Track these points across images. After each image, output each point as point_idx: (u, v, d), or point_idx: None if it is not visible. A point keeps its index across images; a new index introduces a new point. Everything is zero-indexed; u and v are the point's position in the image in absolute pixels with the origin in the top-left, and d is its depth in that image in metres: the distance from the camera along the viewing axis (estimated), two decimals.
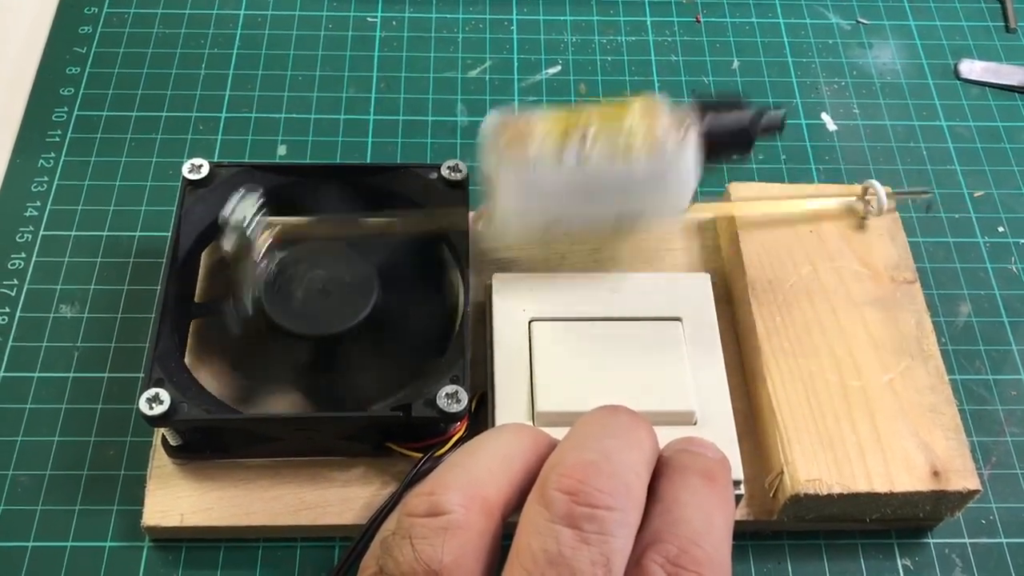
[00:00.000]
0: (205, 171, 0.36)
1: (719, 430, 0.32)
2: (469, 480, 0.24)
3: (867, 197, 0.37)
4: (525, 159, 0.32)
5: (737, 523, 0.33)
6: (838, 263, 0.36)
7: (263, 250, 0.34)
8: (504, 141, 0.32)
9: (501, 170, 0.32)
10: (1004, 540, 0.35)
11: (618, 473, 0.23)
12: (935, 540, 0.34)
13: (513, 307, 0.34)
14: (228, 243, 0.34)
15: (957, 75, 0.48)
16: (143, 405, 0.31)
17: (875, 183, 0.37)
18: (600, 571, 0.22)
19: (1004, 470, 0.36)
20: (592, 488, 0.23)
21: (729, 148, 0.33)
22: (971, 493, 0.31)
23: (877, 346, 0.34)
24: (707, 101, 0.33)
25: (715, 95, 0.34)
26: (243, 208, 0.34)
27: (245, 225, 0.34)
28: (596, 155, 0.32)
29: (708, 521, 0.24)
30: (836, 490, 0.31)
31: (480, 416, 0.33)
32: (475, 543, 0.23)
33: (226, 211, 0.34)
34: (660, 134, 0.32)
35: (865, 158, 0.45)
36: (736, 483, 0.31)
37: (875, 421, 0.32)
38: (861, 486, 0.31)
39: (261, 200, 0.35)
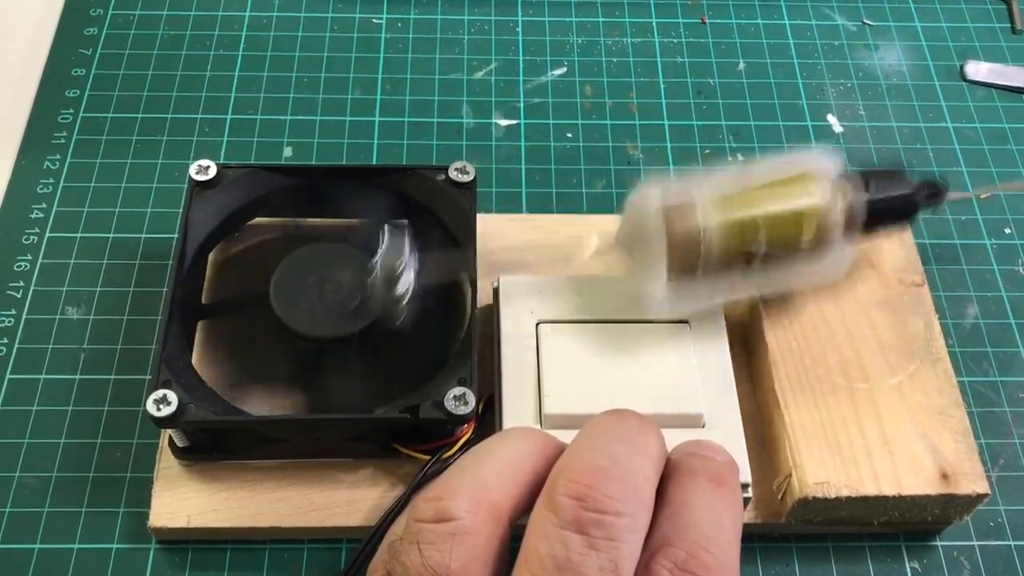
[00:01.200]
0: (212, 172, 0.36)
1: (727, 433, 0.31)
2: (477, 485, 0.24)
3: None
4: (690, 262, 0.31)
5: (745, 526, 0.33)
6: None
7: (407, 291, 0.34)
8: (668, 230, 0.31)
9: (658, 261, 0.31)
10: (1012, 542, 0.35)
11: (626, 478, 0.23)
12: (943, 543, 0.34)
13: (520, 309, 0.34)
14: (378, 282, 0.33)
15: (963, 76, 0.48)
16: (150, 406, 0.30)
17: None
18: (607, 559, 0.22)
19: (1012, 472, 0.36)
20: (600, 494, 0.23)
21: (892, 219, 0.33)
22: (980, 496, 0.31)
23: (885, 349, 0.34)
24: (868, 171, 0.33)
25: (878, 165, 0.34)
26: (393, 252, 0.33)
27: (398, 272, 0.33)
28: (769, 270, 0.32)
29: (717, 524, 0.24)
30: (844, 493, 0.31)
31: (487, 418, 0.33)
32: (482, 549, 0.23)
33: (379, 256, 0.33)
34: (831, 232, 0.31)
35: (872, 160, 0.45)
36: (744, 486, 0.31)
37: (883, 424, 0.32)
38: (869, 489, 0.31)
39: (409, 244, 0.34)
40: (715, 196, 0.31)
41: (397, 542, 0.24)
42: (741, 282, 0.32)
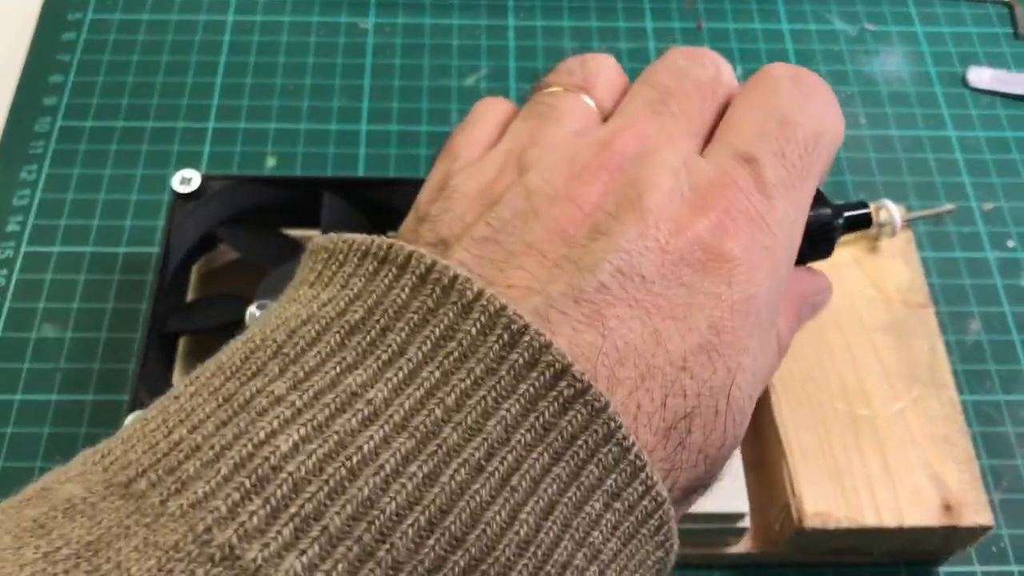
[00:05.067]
0: (196, 184, 0.35)
1: None
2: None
3: (880, 219, 0.36)
4: None
5: (742, 555, 0.32)
6: (849, 286, 0.35)
7: None
8: None
9: None
10: (1016, 568, 0.34)
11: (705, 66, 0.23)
12: (945, 568, 0.34)
13: None
14: None
15: (965, 83, 0.47)
16: None
17: (888, 203, 0.35)
18: (712, 71, 0.22)
19: (1016, 495, 0.35)
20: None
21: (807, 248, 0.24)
22: (984, 529, 0.30)
23: (888, 374, 0.33)
24: None
25: None
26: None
27: None
28: None
29: (801, 108, 0.21)
30: (844, 524, 0.30)
31: None
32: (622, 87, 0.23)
33: None
34: None
35: (871, 170, 0.44)
36: (740, 515, 0.30)
37: (885, 452, 0.31)
38: (870, 520, 0.30)
39: None
40: None
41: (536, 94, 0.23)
42: None
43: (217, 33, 0.47)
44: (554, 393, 0.16)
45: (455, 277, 0.17)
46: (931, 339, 0.34)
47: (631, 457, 0.16)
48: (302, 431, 0.15)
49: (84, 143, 0.43)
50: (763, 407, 0.33)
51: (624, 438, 0.16)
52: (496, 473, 0.15)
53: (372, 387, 0.16)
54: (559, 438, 0.16)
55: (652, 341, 0.18)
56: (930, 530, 0.30)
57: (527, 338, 0.16)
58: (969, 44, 0.48)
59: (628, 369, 0.17)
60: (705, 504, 0.30)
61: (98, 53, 0.46)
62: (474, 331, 0.16)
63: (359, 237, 0.18)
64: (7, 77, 0.45)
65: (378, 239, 0.18)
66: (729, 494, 0.30)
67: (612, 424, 0.16)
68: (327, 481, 0.15)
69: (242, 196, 0.36)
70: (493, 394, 0.16)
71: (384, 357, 0.16)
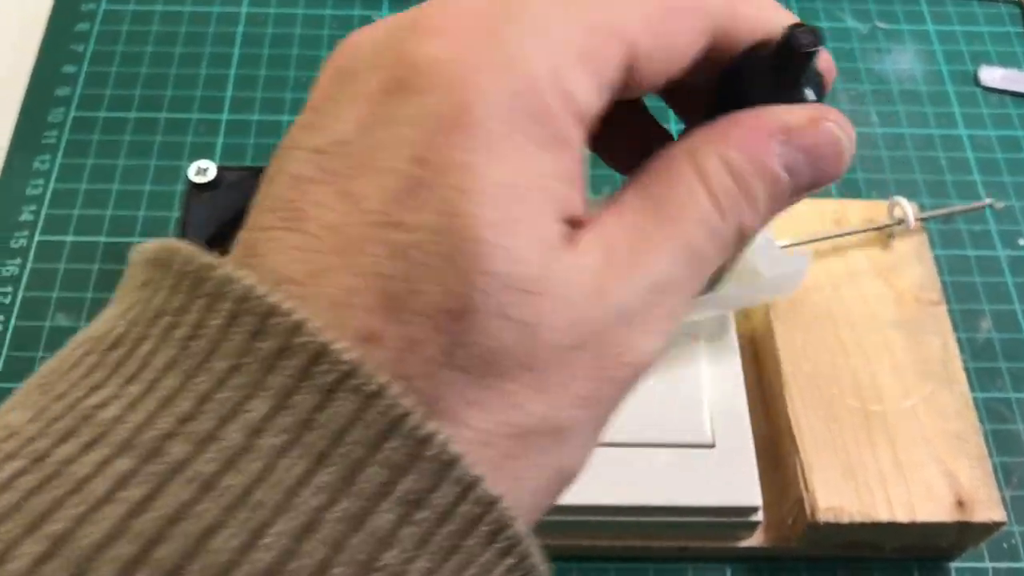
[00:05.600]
0: (212, 174, 0.35)
1: (737, 453, 0.31)
2: None
3: (893, 215, 0.36)
4: None
5: (754, 549, 0.32)
6: (862, 283, 0.35)
7: None
8: None
9: None
10: None
11: None
12: (956, 564, 0.34)
13: None
14: None
15: (977, 82, 0.47)
16: None
17: (902, 200, 0.36)
18: None
19: None
20: None
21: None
22: (996, 525, 0.30)
23: (900, 370, 0.33)
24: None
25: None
26: None
27: None
28: None
29: None
30: (856, 519, 0.30)
31: None
32: None
33: None
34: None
35: (883, 167, 0.44)
36: (754, 509, 0.31)
37: (897, 448, 0.31)
38: (882, 515, 0.30)
39: None
40: None
41: None
42: None
43: (231, 25, 0.47)
44: (312, 383, 0.13)
45: (205, 266, 0.14)
46: (943, 336, 0.34)
47: (433, 451, 0.13)
48: (19, 464, 0.13)
49: (97, 133, 0.43)
50: (776, 401, 0.33)
51: (417, 427, 0.13)
52: (231, 488, 0.13)
53: (107, 406, 0.14)
54: (321, 436, 0.13)
55: (346, 208, 0.15)
56: (942, 525, 0.30)
57: (274, 320, 0.14)
58: (981, 43, 0.48)
59: (328, 255, 0.14)
60: (719, 498, 0.30)
61: (111, 44, 0.46)
62: (220, 323, 0.14)
63: (151, 244, 0.16)
64: (21, 68, 0.45)
65: (163, 243, 0.16)
66: (742, 489, 0.30)
67: (396, 410, 0.13)
68: (25, 517, 0.13)
69: (256, 188, 0.36)
70: (238, 394, 0.13)
71: (130, 371, 0.14)
